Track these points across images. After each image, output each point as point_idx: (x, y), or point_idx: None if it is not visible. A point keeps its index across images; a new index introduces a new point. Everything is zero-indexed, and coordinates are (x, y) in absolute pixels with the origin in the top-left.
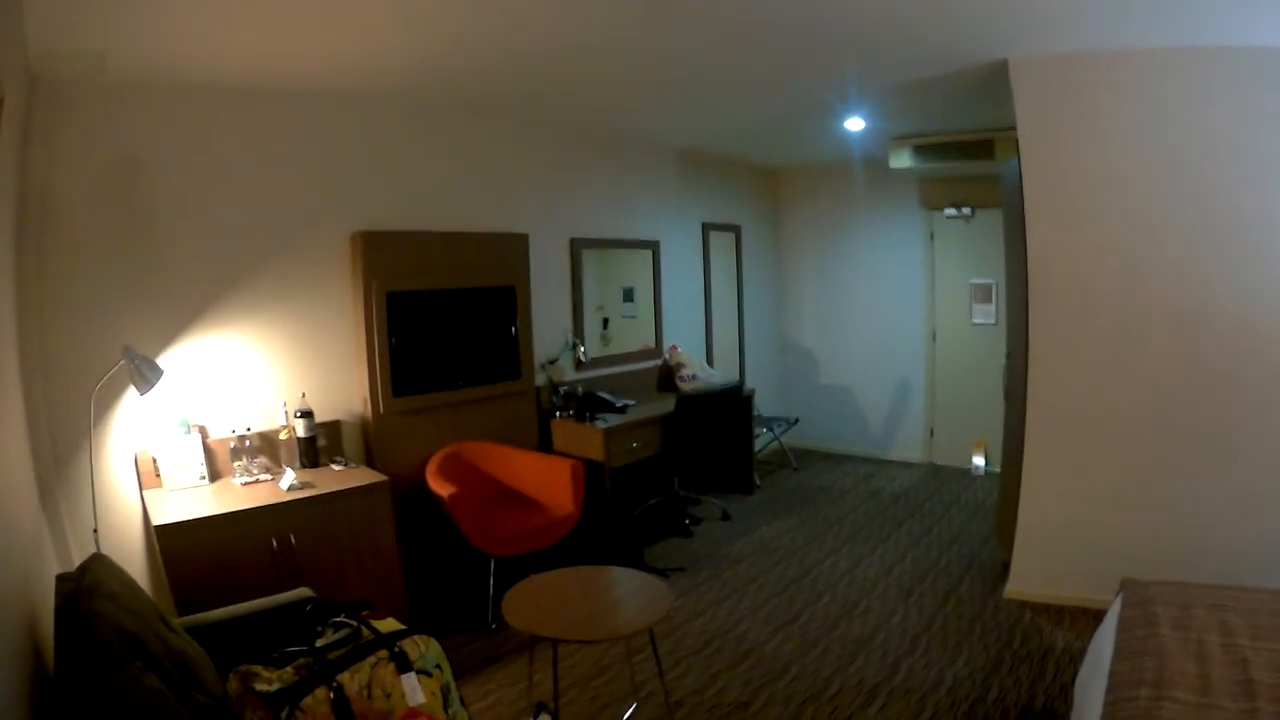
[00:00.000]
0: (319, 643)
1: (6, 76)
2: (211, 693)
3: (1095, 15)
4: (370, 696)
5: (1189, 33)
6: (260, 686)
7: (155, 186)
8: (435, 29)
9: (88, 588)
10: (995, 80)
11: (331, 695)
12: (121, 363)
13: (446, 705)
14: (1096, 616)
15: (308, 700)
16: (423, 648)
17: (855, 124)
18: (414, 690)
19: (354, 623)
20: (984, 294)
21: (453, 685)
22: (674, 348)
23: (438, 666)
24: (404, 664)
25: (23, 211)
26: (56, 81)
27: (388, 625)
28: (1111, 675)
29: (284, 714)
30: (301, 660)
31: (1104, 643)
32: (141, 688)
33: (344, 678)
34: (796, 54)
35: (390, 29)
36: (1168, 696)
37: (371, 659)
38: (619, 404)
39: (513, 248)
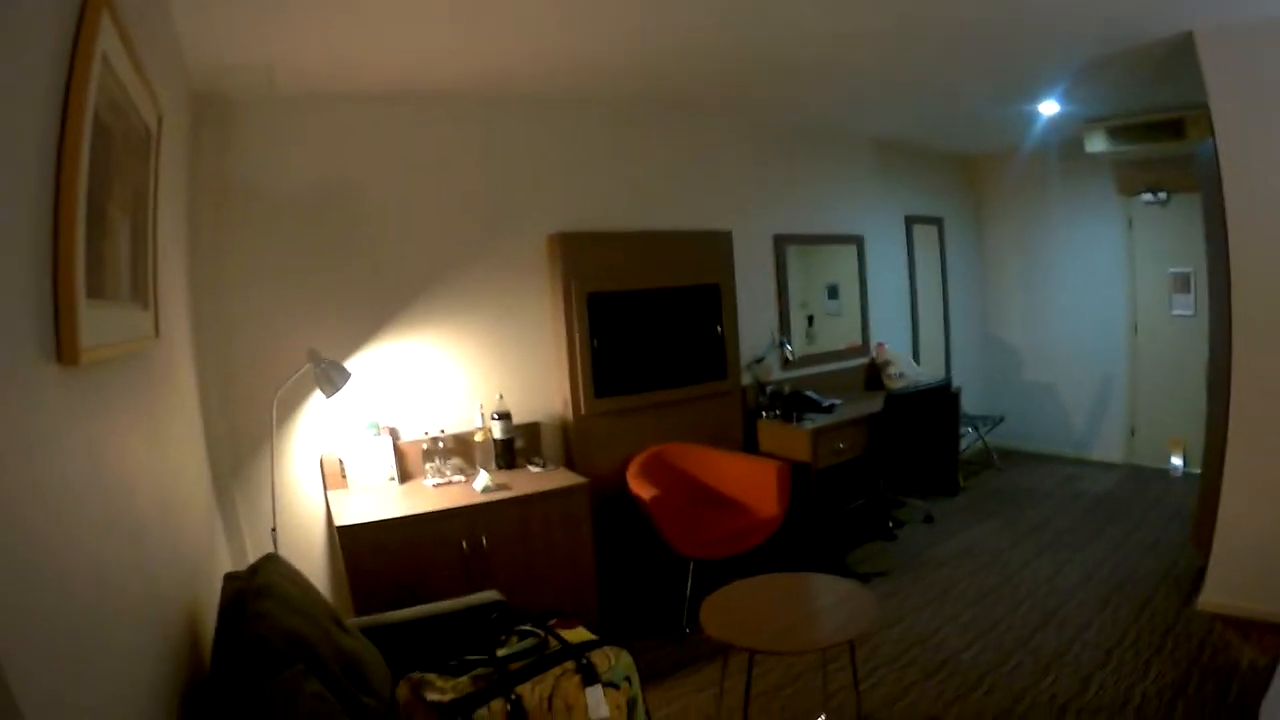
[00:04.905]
0: (501, 652)
1: (163, 94)
2: (380, 696)
3: None
4: (551, 709)
5: None
6: (432, 696)
7: (342, 197)
8: (627, 28)
9: (256, 588)
10: (1181, 55)
11: (508, 707)
12: (306, 367)
13: (632, 718)
14: None
15: (481, 711)
16: (613, 659)
17: (1049, 107)
18: (598, 704)
19: (541, 632)
20: (1182, 284)
21: (640, 698)
22: (881, 345)
23: (627, 679)
24: (590, 676)
25: (196, 226)
26: (227, 98)
27: (577, 635)
28: None
29: None
30: (480, 670)
31: None
32: (300, 693)
33: (524, 689)
34: (984, 39)
35: (586, 27)
36: None
37: (557, 670)
38: (826, 404)
39: (715, 246)
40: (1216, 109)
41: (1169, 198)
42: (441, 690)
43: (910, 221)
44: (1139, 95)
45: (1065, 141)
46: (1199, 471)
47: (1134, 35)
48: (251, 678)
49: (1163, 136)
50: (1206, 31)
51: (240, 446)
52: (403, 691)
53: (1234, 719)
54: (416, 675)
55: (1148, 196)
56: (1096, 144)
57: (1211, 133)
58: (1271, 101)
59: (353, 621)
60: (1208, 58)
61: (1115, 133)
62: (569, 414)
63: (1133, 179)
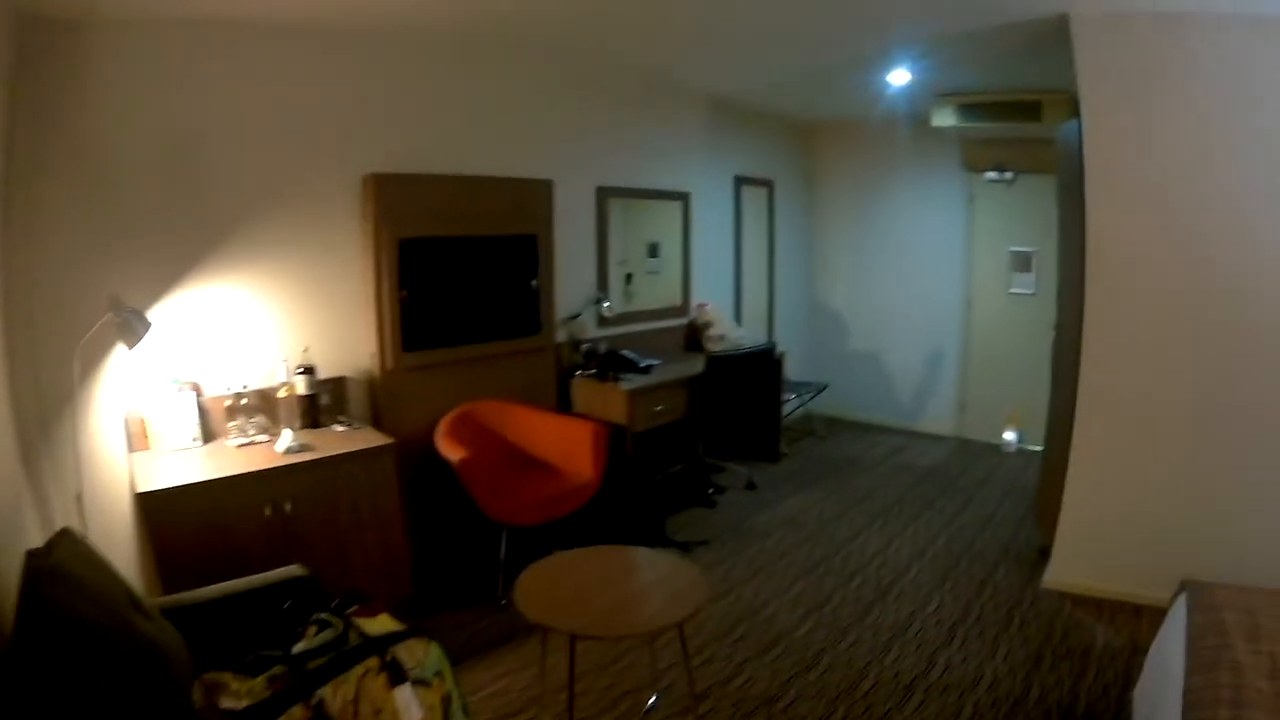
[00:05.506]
0: (298, 647)
1: None
2: (182, 691)
3: None
4: (357, 714)
5: None
6: (226, 702)
7: (147, 129)
8: None
9: (48, 570)
10: (1049, 38)
11: (310, 715)
12: (108, 316)
13: (447, 718)
14: (1139, 612)
15: None
16: (421, 653)
17: (900, 77)
18: (409, 706)
19: (339, 622)
20: (1023, 263)
21: (455, 693)
22: (702, 305)
23: (438, 674)
24: (397, 674)
25: (10, 161)
26: (46, 20)
27: (380, 624)
28: (1187, 691)
29: None
30: (276, 669)
31: (1171, 651)
32: (82, 695)
33: (326, 691)
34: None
35: None
36: (1245, 718)
37: (359, 669)
38: (643, 364)
39: (535, 194)
40: (1085, 94)
41: (1015, 177)
42: (236, 695)
43: (740, 181)
44: (996, 73)
45: (912, 113)
46: (1035, 448)
47: (1009, 12)
48: (37, 673)
49: (1018, 116)
50: (1083, 15)
51: (46, 407)
52: (198, 695)
53: (1093, 700)
54: (210, 676)
55: (993, 174)
56: (944, 118)
57: (1076, 116)
58: (1140, 91)
59: (155, 603)
60: (1081, 42)
61: (966, 109)
62: (376, 369)
63: (980, 156)
